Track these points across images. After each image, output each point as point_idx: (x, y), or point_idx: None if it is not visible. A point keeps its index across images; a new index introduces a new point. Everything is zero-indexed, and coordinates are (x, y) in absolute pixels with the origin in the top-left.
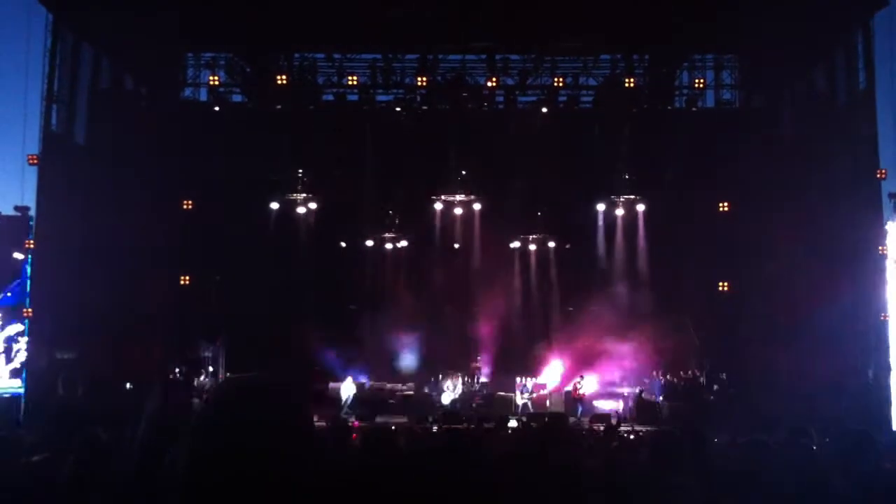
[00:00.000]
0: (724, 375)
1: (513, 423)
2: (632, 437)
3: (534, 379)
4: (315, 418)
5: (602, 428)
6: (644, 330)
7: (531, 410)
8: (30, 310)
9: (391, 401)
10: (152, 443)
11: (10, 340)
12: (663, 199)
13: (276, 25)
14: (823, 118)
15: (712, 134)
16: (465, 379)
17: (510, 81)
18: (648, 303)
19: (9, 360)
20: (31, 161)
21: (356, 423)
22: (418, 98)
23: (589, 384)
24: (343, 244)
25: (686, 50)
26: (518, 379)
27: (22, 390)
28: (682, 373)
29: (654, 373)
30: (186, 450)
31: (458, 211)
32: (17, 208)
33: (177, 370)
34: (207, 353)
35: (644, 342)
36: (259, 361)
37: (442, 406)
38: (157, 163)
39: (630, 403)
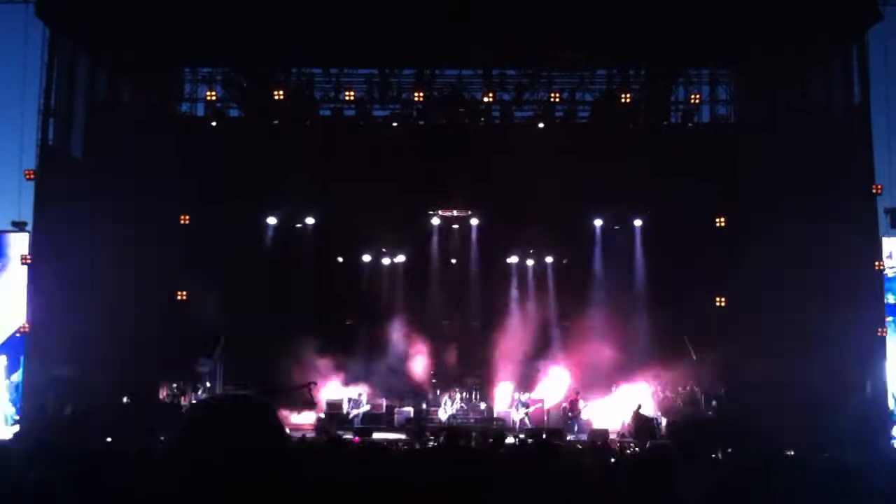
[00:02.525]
0: (721, 391)
1: (510, 440)
2: (628, 452)
3: (531, 394)
4: (307, 432)
5: (598, 444)
6: (641, 346)
7: (529, 426)
8: (26, 325)
9: (388, 416)
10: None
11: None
12: (660, 214)
13: (274, 40)
14: (818, 133)
15: (708, 149)
16: (463, 394)
17: (506, 96)
18: (645, 318)
19: None
20: (27, 176)
21: (356, 439)
22: (415, 113)
23: (585, 400)
24: (340, 259)
25: (681, 64)
26: (515, 394)
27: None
28: (679, 388)
29: (652, 388)
30: (163, 470)
31: (456, 226)
32: (14, 223)
33: (173, 385)
34: (205, 369)
35: (641, 358)
36: (256, 376)
37: (439, 422)
38: (154, 177)
39: (627, 419)
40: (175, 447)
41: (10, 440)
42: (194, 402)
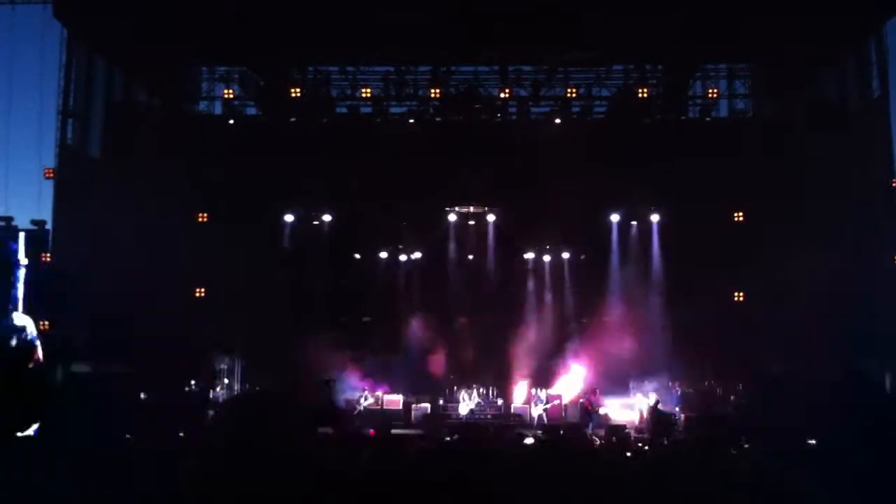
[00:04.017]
0: (739, 385)
1: (529, 440)
2: (647, 448)
3: (549, 390)
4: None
5: (616, 440)
6: (659, 341)
7: (546, 422)
8: (46, 322)
9: (406, 413)
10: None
11: None
12: (678, 210)
13: (290, 39)
14: (837, 126)
15: (726, 143)
16: (480, 390)
17: (523, 92)
18: (662, 313)
19: None
20: (47, 175)
21: (372, 432)
22: (431, 110)
23: (603, 395)
24: (357, 256)
25: (698, 59)
26: (533, 390)
27: None
28: (697, 384)
29: (670, 383)
30: (204, 453)
31: (472, 222)
32: (33, 222)
33: (192, 383)
34: (223, 366)
35: (659, 353)
36: (274, 373)
37: (457, 418)
38: (171, 175)
39: (645, 415)
40: (212, 440)
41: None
42: (213, 398)
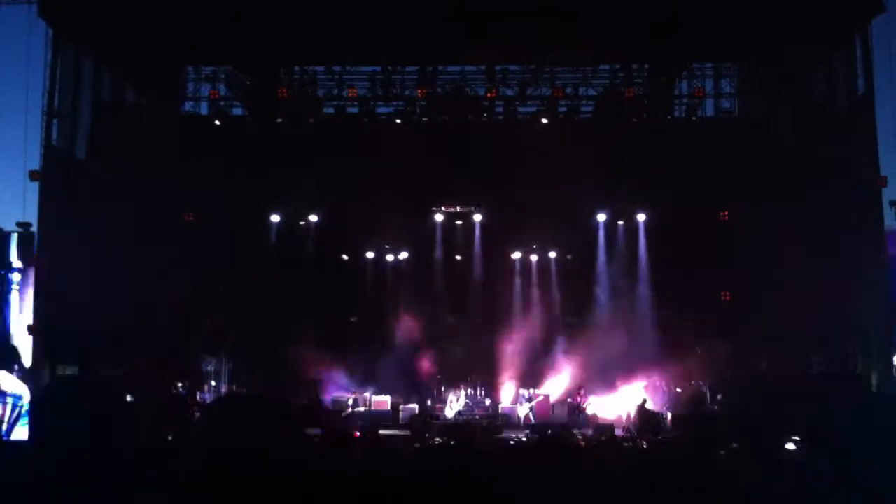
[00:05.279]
0: (726, 385)
1: (518, 436)
2: (634, 447)
3: (536, 390)
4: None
5: (604, 439)
6: (646, 340)
7: (534, 422)
8: (33, 325)
9: (394, 413)
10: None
11: None
12: (664, 209)
13: (276, 39)
14: (822, 125)
15: (712, 142)
16: (468, 391)
17: (510, 92)
18: (649, 313)
19: None
20: (32, 177)
21: (357, 433)
22: (418, 110)
23: (590, 394)
24: (344, 256)
25: (685, 59)
26: (521, 390)
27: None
28: (684, 383)
29: (657, 382)
30: (188, 454)
31: (459, 222)
32: (19, 224)
33: (179, 384)
34: (210, 367)
35: (646, 353)
36: (261, 374)
37: (445, 418)
38: (158, 176)
39: (633, 414)
40: (197, 443)
41: (24, 440)
42: (200, 400)
